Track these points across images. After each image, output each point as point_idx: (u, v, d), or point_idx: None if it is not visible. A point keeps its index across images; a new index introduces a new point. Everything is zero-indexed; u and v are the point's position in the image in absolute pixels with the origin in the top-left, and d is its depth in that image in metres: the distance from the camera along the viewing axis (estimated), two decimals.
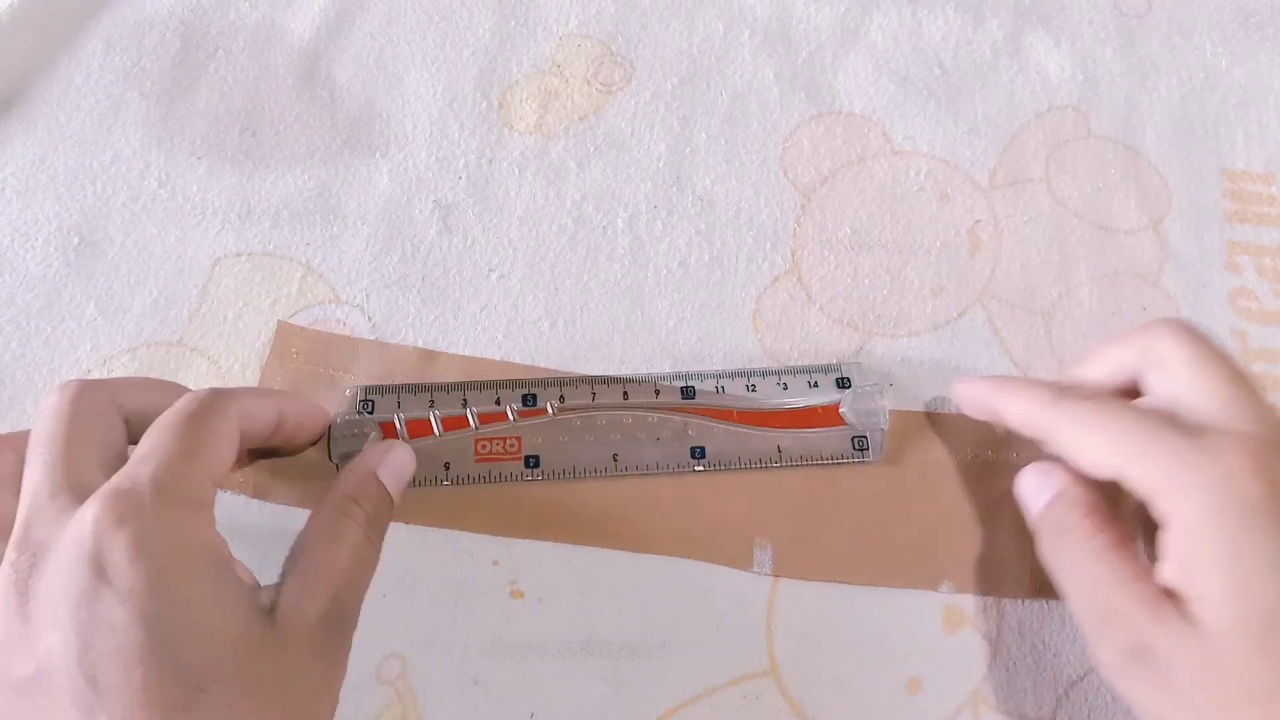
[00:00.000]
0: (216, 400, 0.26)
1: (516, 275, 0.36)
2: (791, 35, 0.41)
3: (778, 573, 0.31)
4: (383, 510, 0.28)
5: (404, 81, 0.39)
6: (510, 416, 0.32)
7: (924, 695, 0.30)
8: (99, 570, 0.22)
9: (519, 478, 0.31)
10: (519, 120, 0.39)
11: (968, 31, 0.41)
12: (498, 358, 0.34)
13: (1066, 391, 0.27)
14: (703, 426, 0.32)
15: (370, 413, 0.32)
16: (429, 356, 0.34)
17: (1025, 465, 0.30)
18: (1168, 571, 0.24)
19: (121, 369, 0.33)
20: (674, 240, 0.37)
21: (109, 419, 0.26)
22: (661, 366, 0.34)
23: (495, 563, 0.31)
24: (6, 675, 0.22)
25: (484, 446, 0.32)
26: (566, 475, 0.31)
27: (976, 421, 0.33)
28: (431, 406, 0.32)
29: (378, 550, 0.27)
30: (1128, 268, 0.37)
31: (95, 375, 0.33)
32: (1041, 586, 0.31)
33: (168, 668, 0.22)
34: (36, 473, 0.24)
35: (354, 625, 0.26)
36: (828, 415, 0.32)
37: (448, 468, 0.31)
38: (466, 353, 0.34)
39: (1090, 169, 0.39)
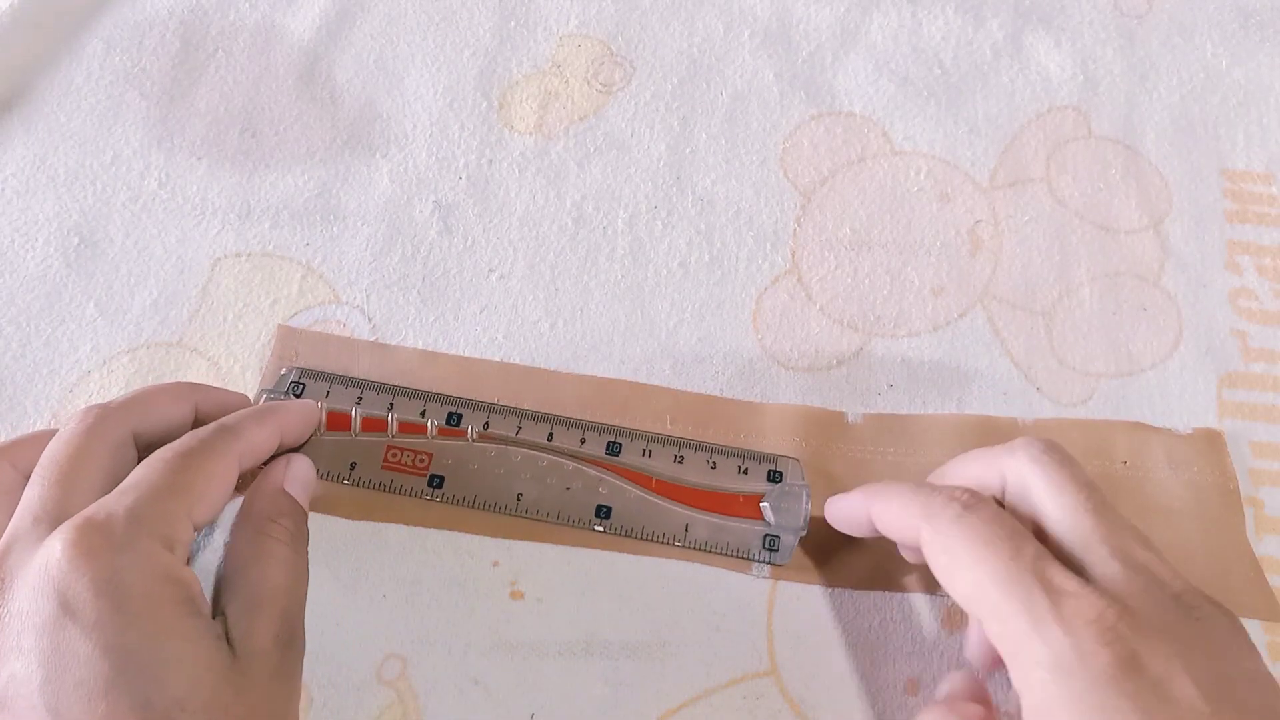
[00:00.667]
0: (218, 441, 0.26)
1: (516, 275, 0.36)
2: (791, 35, 0.41)
3: (776, 576, 0.31)
4: (301, 524, 0.28)
5: (404, 82, 0.39)
6: (429, 432, 0.32)
7: (924, 695, 0.30)
8: (64, 601, 0.22)
9: (420, 494, 0.31)
10: (519, 120, 0.39)
11: (968, 32, 0.41)
12: (498, 358, 0.34)
13: (942, 501, 0.25)
14: (616, 487, 0.31)
15: (298, 395, 0.32)
16: (430, 358, 0.34)
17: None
18: None
19: (121, 370, 0.33)
20: (674, 240, 0.37)
21: (121, 451, 0.26)
22: (662, 367, 0.34)
23: (495, 563, 0.31)
24: None
25: (394, 455, 0.31)
26: (466, 503, 0.31)
27: (975, 426, 0.33)
28: (358, 404, 0.32)
29: (306, 561, 0.27)
30: (1128, 268, 0.37)
31: (95, 376, 0.33)
32: None
33: (134, 701, 0.21)
34: (30, 494, 0.25)
35: (303, 641, 0.26)
36: (747, 506, 0.31)
37: (353, 468, 0.31)
38: (467, 353, 0.34)
39: (1091, 169, 0.39)
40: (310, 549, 0.30)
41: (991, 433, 0.33)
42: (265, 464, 0.29)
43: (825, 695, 0.29)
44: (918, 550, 0.26)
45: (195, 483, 0.25)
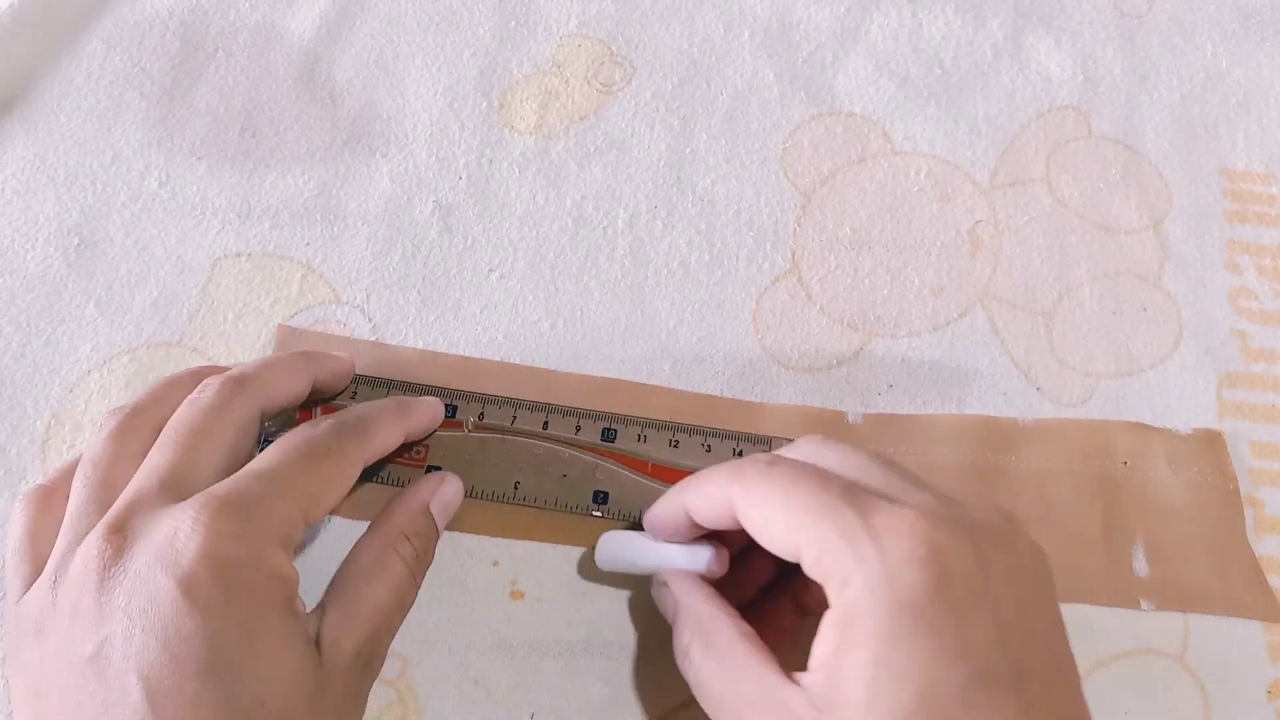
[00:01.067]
0: (351, 447, 0.26)
1: (517, 275, 0.36)
2: (791, 35, 0.41)
3: None
4: (430, 546, 0.28)
5: (404, 81, 0.39)
6: None
7: None
8: (184, 577, 0.22)
9: None
10: (519, 120, 0.39)
11: (968, 31, 0.41)
12: (498, 358, 0.34)
13: (748, 462, 0.25)
14: (613, 473, 0.31)
15: None
16: (431, 358, 0.34)
17: (1025, 469, 0.30)
18: (816, 670, 0.22)
19: (121, 370, 0.33)
20: (674, 240, 0.37)
21: (249, 427, 0.27)
22: (662, 367, 0.34)
23: (495, 563, 0.31)
24: (71, 650, 0.22)
25: None
26: (465, 494, 0.30)
27: (976, 425, 0.33)
28: (353, 398, 0.32)
29: (418, 587, 0.27)
30: (1128, 268, 0.37)
31: (95, 375, 0.33)
32: None
33: (222, 690, 0.22)
34: (157, 457, 0.25)
35: (381, 664, 0.26)
36: None
37: None
38: (467, 353, 0.34)
39: (1091, 169, 0.39)
40: (308, 548, 0.30)
41: (991, 432, 0.33)
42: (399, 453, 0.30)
43: None
44: (730, 533, 0.25)
45: (321, 489, 0.25)
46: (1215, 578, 0.31)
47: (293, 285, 0.35)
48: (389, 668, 0.29)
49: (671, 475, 0.31)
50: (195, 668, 0.21)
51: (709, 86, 0.40)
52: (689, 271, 0.36)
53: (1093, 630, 0.30)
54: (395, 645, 0.29)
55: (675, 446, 0.32)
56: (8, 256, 0.35)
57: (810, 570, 0.23)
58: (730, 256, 0.36)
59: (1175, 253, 0.37)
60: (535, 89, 0.39)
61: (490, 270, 0.36)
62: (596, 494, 0.31)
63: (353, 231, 0.36)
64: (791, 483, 0.23)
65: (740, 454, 0.32)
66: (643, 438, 0.32)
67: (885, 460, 0.25)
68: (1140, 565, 0.31)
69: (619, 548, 0.29)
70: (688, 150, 0.38)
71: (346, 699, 0.24)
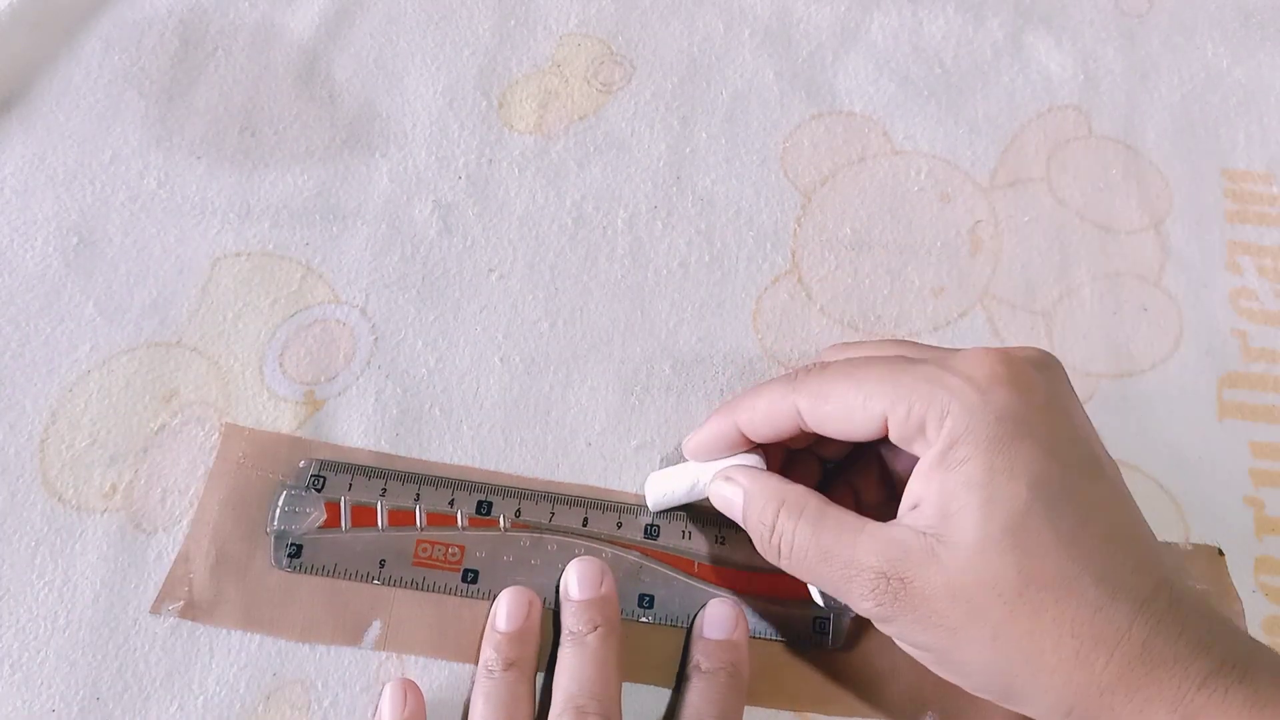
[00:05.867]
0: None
1: (516, 275, 0.36)
2: (792, 35, 0.41)
3: (752, 703, 0.29)
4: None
5: (404, 81, 0.39)
6: (459, 523, 0.30)
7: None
8: None
9: (455, 591, 0.29)
10: (519, 120, 0.39)
11: (968, 31, 0.41)
12: (497, 358, 0.34)
13: (799, 373, 0.28)
14: (657, 573, 0.30)
15: (319, 490, 0.31)
16: (384, 459, 0.32)
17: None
18: (915, 507, 0.25)
19: (120, 370, 0.33)
20: (674, 240, 0.36)
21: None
22: (662, 367, 0.34)
23: None
24: None
25: (425, 550, 0.30)
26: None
27: None
28: (382, 495, 0.31)
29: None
30: (1129, 268, 0.37)
31: (94, 375, 0.33)
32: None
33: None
34: None
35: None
36: (794, 586, 0.28)
37: (383, 565, 0.30)
38: (467, 353, 0.34)
39: (1091, 169, 0.39)
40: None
41: None
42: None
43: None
44: (791, 441, 0.28)
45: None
46: None
47: (292, 285, 0.35)
48: (388, 668, 0.29)
49: (719, 575, 0.30)
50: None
51: (709, 86, 0.40)
52: (689, 271, 0.36)
53: None
54: (394, 645, 0.29)
55: (721, 543, 0.30)
56: (6, 256, 0.35)
57: (901, 427, 0.25)
58: (730, 256, 0.36)
59: (1176, 253, 0.37)
60: (535, 88, 0.39)
61: (490, 270, 0.36)
62: (642, 597, 0.30)
63: (352, 231, 0.36)
64: (854, 370, 0.26)
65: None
66: (687, 534, 0.31)
67: (908, 342, 0.29)
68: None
69: (668, 484, 0.30)
70: (688, 150, 0.38)
71: None
